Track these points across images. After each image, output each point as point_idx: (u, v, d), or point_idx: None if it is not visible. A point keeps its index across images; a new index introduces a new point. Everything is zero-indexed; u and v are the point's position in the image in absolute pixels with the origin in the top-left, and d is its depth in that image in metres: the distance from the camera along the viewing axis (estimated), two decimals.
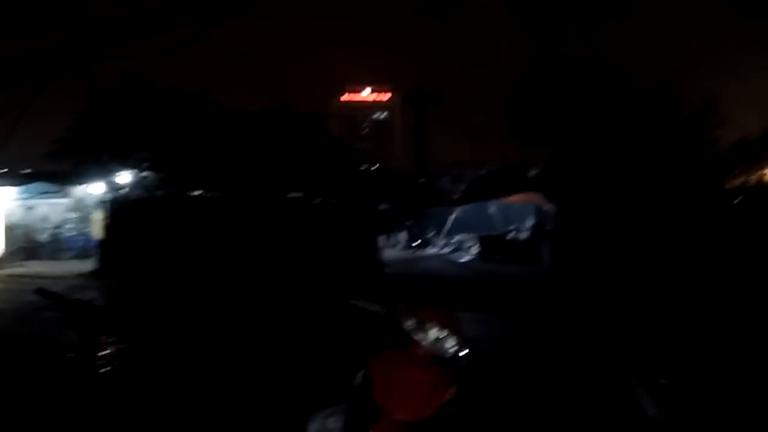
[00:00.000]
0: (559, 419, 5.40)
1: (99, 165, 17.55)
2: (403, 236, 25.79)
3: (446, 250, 24.93)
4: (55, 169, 19.46)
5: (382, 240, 20.76)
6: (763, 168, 15.82)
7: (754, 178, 15.52)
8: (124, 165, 17.56)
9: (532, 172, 18.86)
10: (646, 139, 13.34)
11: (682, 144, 13.37)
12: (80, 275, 16.21)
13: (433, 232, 25.33)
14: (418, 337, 2.81)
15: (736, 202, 14.16)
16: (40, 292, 3.55)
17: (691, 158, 13.45)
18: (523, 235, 22.09)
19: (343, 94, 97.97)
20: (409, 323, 2.84)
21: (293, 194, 17.65)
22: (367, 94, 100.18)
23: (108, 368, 3.61)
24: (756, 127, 14.77)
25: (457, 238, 25.15)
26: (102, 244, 17.45)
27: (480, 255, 22.71)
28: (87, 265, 17.41)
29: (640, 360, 7.01)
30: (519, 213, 24.36)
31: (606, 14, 17.55)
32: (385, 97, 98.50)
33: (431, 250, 24.90)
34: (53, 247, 20.30)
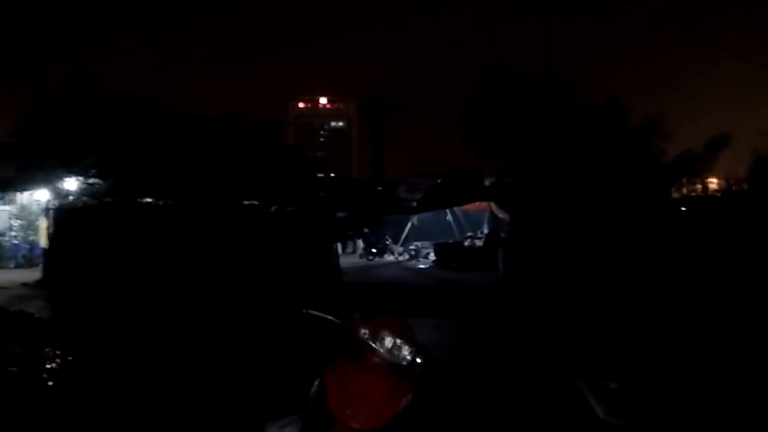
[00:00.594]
0: (513, 423, 5.50)
1: (44, 171, 16.94)
2: (360, 244, 25.82)
3: (403, 257, 25.09)
4: None
5: (339, 248, 20.72)
6: (706, 178, 16.51)
7: (699, 187, 16.18)
8: (71, 171, 16.99)
9: (487, 182, 19.17)
10: (593, 151, 13.80)
11: (628, 156, 13.88)
12: (24, 285, 15.62)
13: (389, 240, 25.45)
14: (373, 345, 2.80)
15: (681, 209, 14.74)
16: None
17: (636, 169, 13.96)
18: (478, 243, 22.42)
19: (300, 101, 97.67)
20: (364, 332, 2.83)
21: (248, 202, 17.42)
22: (324, 102, 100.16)
23: (53, 382, 3.47)
24: (701, 140, 15.40)
25: (413, 245, 25.37)
26: (47, 252, 16.86)
27: (436, 262, 22.95)
28: (31, 274, 16.78)
29: (591, 364, 7.20)
30: (474, 221, 24.76)
31: (557, 31, 18.11)
32: (342, 105, 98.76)
33: (388, 258, 25.00)
34: None
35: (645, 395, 3.34)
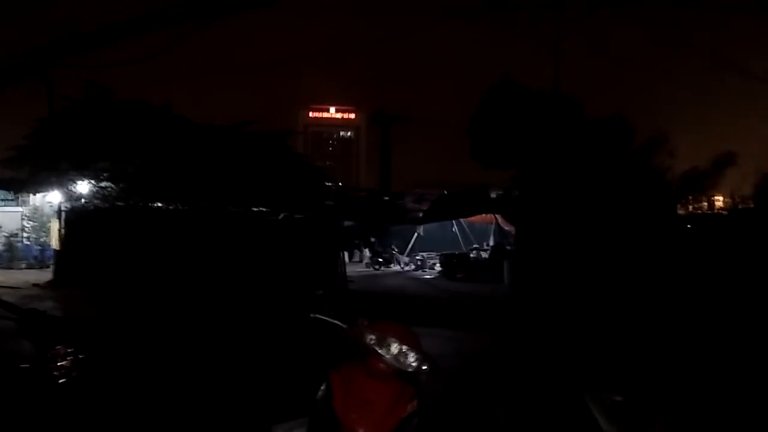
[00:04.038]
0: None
1: (58, 173, 17.16)
2: (366, 253, 25.89)
3: (409, 267, 25.13)
4: (11, 177, 18.97)
5: (346, 256, 20.81)
6: (712, 196, 16.49)
7: (705, 205, 16.17)
8: (84, 174, 17.21)
9: (493, 194, 19.23)
10: (599, 165, 13.87)
11: (633, 171, 13.94)
12: (35, 285, 15.79)
13: (396, 250, 25.51)
14: (379, 351, 2.83)
15: (686, 226, 14.74)
16: None
17: (641, 185, 14.02)
18: (484, 254, 22.44)
19: (310, 111, 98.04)
20: (370, 337, 2.87)
21: (256, 209, 17.56)
22: (333, 112, 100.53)
23: (65, 379, 3.56)
24: (707, 157, 15.42)
25: (420, 255, 25.42)
26: (58, 253, 17.03)
27: (442, 273, 22.97)
28: (43, 275, 16.95)
29: (596, 376, 7.24)
30: (480, 233, 24.79)
31: (564, 49, 18.36)
32: (351, 116, 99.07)
33: (394, 267, 25.05)
34: (8, 256, 19.70)
35: (649, 408, 3.39)
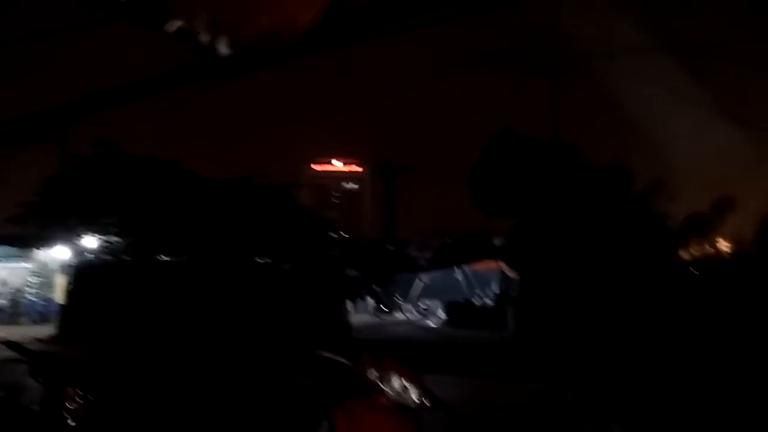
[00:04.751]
0: None
1: (65, 229, 17.40)
2: (371, 302, 25.80)
3: (414, 315, 25.00)
4: (18, 233, 19.20)
5: (350, 306, 20.78)
6: (715, 240, 16.56)
7: (709, 249, 16.23)
8: (91, 229, 17.44)
9: (497, 241, 19.36)
10: (599, 211, 14.05)
11: (633, 217, 14.11)
12: (38, 340, 15.78)
13: (400, 299, 25.43)
14: (382, 386, 2.93)
15: (692, 271, 14.77)
16: (8, 344, 3.61)
17: (642, 230, 14.16)
18: (489, 301, 22.38)
19: (314, 164, 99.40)
20: (373, 373, 2.97)
21: (262, 260, 17.68)
22: (338, 165, 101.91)
23: (75, 421, 3.64)
24: (707, 202, 15.56)
25: (424, 303, 25.33)
26: (64, 308, 17.07)
27: (447, 320, 22.86)
28: (47, 330, 16.95)
29: (594, 407, 7.28)
30: (484, 279, 24.77)
31: (563, 97, 18.89)
32: (356, 168, 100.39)
33: (399, 316, 24.93)
34: (13, 311, 19.73)
35: None
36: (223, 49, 2.32)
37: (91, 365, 4.60)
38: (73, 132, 16.56)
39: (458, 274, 25.31)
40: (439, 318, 23.96)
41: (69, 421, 3.63)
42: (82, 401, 3.74)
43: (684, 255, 15.63)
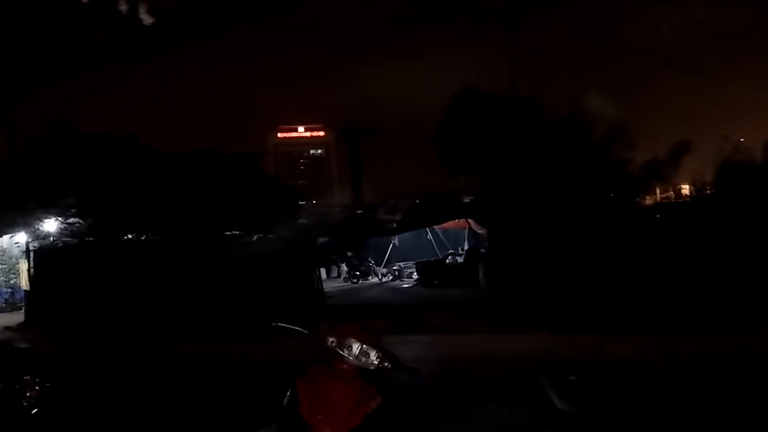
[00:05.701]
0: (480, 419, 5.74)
1: (23, 214, 16.90)
2: (344, 268, 25.96)
3: (387, 278, 25.27)
4: None
5: (323, 272, 20.83)
6: (676, 184, 16.87)
7: (671, 193, 16.54)
8: (50, 212, 16.98)
9: (465, 199, 19.48)
10: (560, 163, 14.22)
11: (594, 166, 14.33)
12: (7, 328, 15.52)
13: (373, 262, 25.63)
14: (341, 351, 2.94)
15: (654, 216, 15.11)
16: None
17: (602, 178, 14.41)
18: (459, 259, 22.68)
19: (278, 131, 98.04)
20: (332, 340, 2.98)
21: (229, 232, 17.49)
22: (302, 131, 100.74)
23: (36, 409, 3.60)
24: (665, 148, 15.78)
25: (396, 266, 25.60)
26: (29, 294, 16.74)
27: (419, 281, 23.14)
28: (14, 318, 16.66)
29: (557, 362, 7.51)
30: (455, 238, 25.05)
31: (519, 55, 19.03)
32: (320, 133, 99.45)
33: (372, 279, 25.16)
34: None
35: (601, 386, 3.55)
36: (146, 17, 2.21)
37: (49, 353, 4.56)
38: (18, 112, 15.98)
39: (429, 235, 25.55)
40: (412, 279, 24.27)
41: (30, 410, 3.58)
42: (39, 389, 3.70)
43: (646, 200, 15.95)
